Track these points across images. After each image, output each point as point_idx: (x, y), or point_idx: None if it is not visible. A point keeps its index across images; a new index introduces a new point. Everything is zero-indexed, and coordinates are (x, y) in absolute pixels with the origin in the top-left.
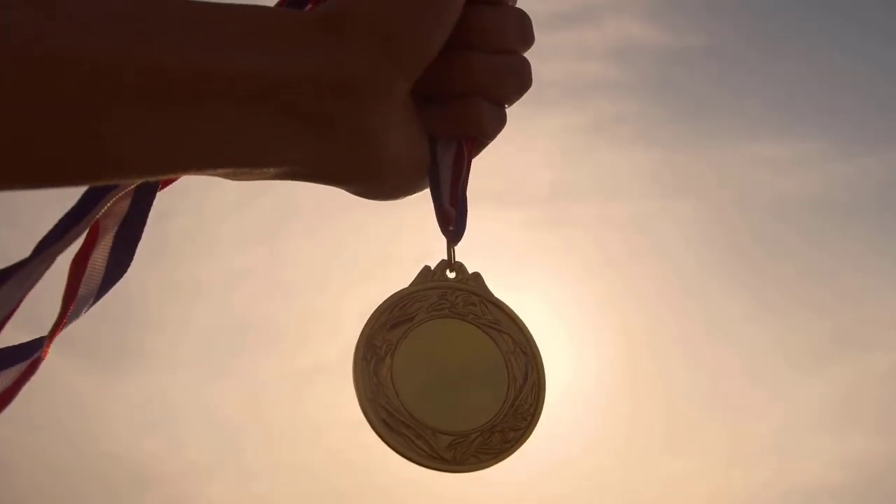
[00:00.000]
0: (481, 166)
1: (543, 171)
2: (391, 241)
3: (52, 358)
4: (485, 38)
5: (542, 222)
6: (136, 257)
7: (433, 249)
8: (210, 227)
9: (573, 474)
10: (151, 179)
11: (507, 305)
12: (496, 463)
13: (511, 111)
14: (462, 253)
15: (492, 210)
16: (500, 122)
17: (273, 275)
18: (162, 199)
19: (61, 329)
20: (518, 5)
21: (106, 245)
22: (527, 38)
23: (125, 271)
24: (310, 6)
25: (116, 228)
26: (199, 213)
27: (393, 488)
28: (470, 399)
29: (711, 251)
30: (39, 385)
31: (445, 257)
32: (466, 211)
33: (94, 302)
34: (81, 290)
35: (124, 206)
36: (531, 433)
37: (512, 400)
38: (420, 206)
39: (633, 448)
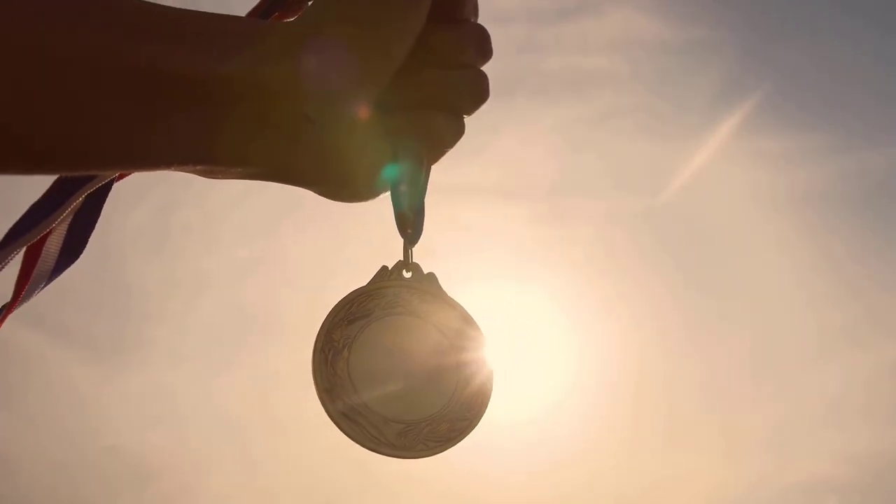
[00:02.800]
0: (485, 161)
1: (547, 164)
2: (396, 232)
3: (53, 351)
4: (443, 53)
5: (546, 216)
6: (135, 250)
7: (435, 242)
8: (213, 219)
9: (574, 469)
10: (119, 171)
11: (459, 305)
12: (443, 450)
13: (513, 104)
14: (466, 247)
15: (495, 204)
16: (458, 131)
17: (276, 267)
18: (164, 191)
19: (14, 309)
20: None
21: (60, 233)
22: (484, 54)
23: (77, 257)
24: (276, 17)
25: (71, 217)
26: (201, 205)
27: (396, 483)
28: (420, 391)
29: (714, 245)
30: (40, 379)
31: (403, 257)
32: (423, 215)
33: (46, 285)
34: (35, 274)
35: (79, 196)
36: (477, 424)
37: (460, 393)
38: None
39: (634, 442)
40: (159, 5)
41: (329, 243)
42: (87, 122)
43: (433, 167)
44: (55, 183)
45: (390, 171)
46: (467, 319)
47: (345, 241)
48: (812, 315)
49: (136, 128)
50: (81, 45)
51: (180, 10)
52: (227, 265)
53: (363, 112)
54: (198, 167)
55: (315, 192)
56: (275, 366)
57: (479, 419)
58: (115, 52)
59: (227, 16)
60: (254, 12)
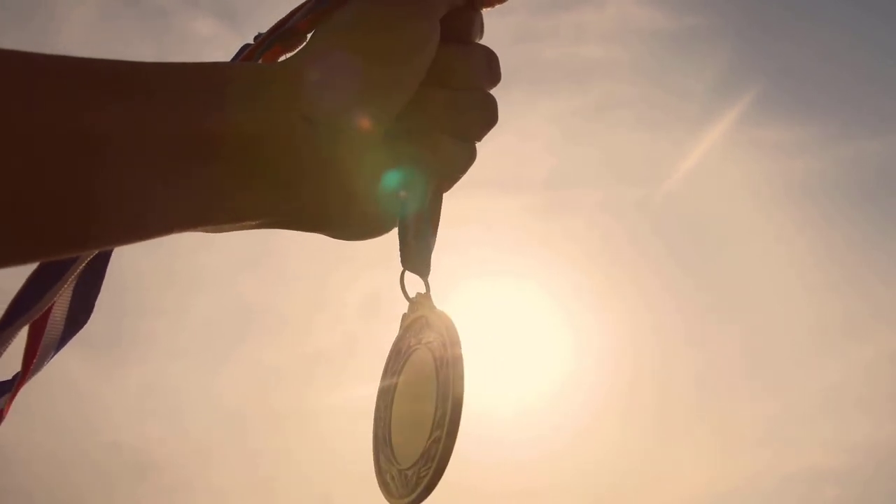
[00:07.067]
0: (481, 152)
1: (544, 155)
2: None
3: None
4: (450, 76)
5: (543, 208)
6: (132, 245)
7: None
8: None
9: (570, 460)
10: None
11: (444, 316)
12: (432, 484)
13: (510, 96)
14: (463, 239)
15: (492, 196)
16: (468, 157)
17: (274, 261)
18: None
19: (25, 383)
20: None
21: (65, 299)
22: (493, 76)
23: (85, 323)
24: (276, 50)
25: (74, 284)
26: None
27: None
28: (420, 429)
29: (712, 236)
30: (38, 374)
31: (403, 294)
32: (432, 247)
33: (55, 354)
34: (42, 345)
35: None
36: (450, 446)
37: (438, 416)
38: None
39: (631, 433)
40: (131, 63)
41: (327, 239)
42: (76, 198)
43: None
44: None
45: (396, 195)
46: (447, 330)
47: None
48: (810, 306)
49: (133, 200)
50: (60, 118)
51: (153, 64)
52: (225, 259)
53: (374, 147)
54: (201, 229)
55: (320, 231)
56: (273, 359)
57: (452, 440)
58: (110, 121)
59: (211, 64)
60: (253, 51)
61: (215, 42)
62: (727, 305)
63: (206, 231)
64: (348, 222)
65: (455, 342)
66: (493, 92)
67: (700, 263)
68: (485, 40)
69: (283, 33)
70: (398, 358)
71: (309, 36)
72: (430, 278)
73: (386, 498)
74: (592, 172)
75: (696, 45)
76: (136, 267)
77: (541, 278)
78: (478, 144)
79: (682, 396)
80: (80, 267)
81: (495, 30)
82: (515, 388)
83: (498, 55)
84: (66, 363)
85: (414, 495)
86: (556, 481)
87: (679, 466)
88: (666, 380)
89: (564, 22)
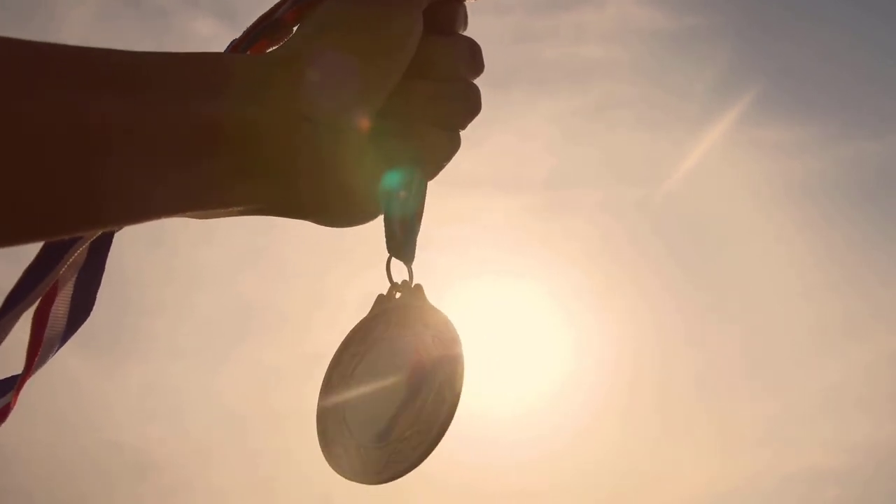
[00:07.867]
0: (481, 152)
1: (544, 155)
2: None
3: None
4: (434, 67)
5: (543, 208)
6: (132, 243)
7: (435, 237)
8: None
9: (570, 460)
10: (118, 227)
11: (440, 312)
12: (406, 471)
13: (510, 96)
14: (463, 239)
15: (492, 196)
16: (452, 146)
17: (275, 259)
18: None
19: (28, 379)
20: None
21: (66, 294)
22: (476, 67)
23: (87, 316)
24: (261, 44)
25: (75, 277)
26: None
27: None
28: (396, 412)
29: (712, 236)
30: (38, 373)
31: (388, 278)
32: (416, 235)
33: (59, 348)
34: (45, 340)
35: (82, 253)
36: (438, 440)
37: (423, 407)
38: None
39: (631, 433)
40: (131, 55)
41: (327, 235)
42: (76, 193)
43: None
44: (46, 243)
45: (383, 184)
46: (447, 329)
47: (343, 236)
48: (810, 306)
49: (130, 193)
50: (57, 109)
51: (153, 57)
52: (226, 257)
53: (360, 136)
54: (194, 214)
55: (313, 220)
56: (273, 359)
57: (441, 433)
58: (106, 112)
59: (204, 54)
60: (238, 44)
61: (215, 42)
62: (727, 305)
63: (196, 217)
64: (344, 214)
65: (454, 339)
66: (488, 89)
67: (700, 263)
68: (485, 41)
69: (269, 26)
70: (368, 337)
71: (295, 28)
72: (430, 278)
73: (333, 468)
74: (592, 172)
75: (696, 45)
76: (136, 265)
77: (541, 278)
78: (475, 144)
79: (682, 396)
80: (79, 252)
81: (495, 29)
82: (515, 388)
83: (497, 54)
84: (66, 362)
85: (378, 477)
86: (556, 482)
87: (679, 466)
88: (666, 380)
89: (564, 22)
